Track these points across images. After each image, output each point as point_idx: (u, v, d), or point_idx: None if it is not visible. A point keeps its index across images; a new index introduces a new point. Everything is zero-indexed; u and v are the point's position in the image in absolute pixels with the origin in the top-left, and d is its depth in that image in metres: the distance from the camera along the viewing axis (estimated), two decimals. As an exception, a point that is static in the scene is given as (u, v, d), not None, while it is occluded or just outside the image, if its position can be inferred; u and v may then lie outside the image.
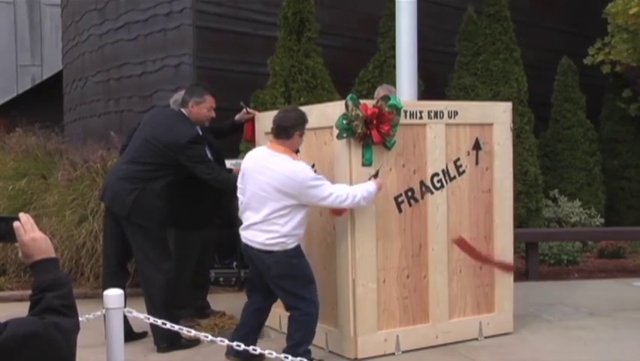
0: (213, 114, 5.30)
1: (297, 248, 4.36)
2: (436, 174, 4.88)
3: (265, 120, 5.53)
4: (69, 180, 7.28)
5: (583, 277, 7.53)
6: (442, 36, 9.37)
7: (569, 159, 9.82)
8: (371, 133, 4.48)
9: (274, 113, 5.40)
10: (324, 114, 4.79)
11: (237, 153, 7.28)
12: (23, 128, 10.75)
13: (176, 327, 3.67)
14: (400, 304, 4.77)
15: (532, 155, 8.90)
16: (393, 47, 6.07)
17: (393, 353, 4.69)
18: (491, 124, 5.13)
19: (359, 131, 4.44)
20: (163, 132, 5.00)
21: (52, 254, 1.92)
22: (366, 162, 4.56)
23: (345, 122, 4.44)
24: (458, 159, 4.99)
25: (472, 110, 5.11)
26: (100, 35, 10.12)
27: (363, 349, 4.61)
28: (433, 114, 4.87)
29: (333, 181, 4.69)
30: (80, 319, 3.75)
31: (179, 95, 5.75)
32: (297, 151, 4.50)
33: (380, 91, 5.95)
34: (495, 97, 8.68)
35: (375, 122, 4.48)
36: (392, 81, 6.31)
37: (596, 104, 10.51)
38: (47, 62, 16.17)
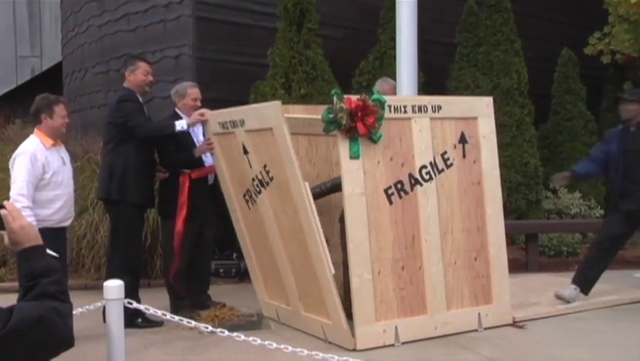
0: (151, 78, 5.57)
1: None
2: (424, 167, 4.92)
3: (214, 122, 5.37)
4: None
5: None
6: (442, 27, 9.34)
7: (569, 151, 9.80)
8: (356, 125, 4.54)
9: (226, 111, 5.34)
10: (261, 116, 4.79)
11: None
12: (22, 120, 10.74)
13: (176, 318, 3.67)
14: (396, 296, 4.78)
15: (532, 146, 8.90)
16: (393, 39, 6.06)
17: (393, 345, 4.69)
18: (476, 118, 5.18)
19: (344, 123, 4.50)
20: (108, 108, 5.58)
21: (40, 241, 1.93)
22: (354, 155, 4.61)
23: (330, 115, 4.52)
24: (445, 152, 5.02)
25: (455, 105, 5.18)
26: (99, 26, 10.09)
27: (361, 340, 4.61)
28: (417, 109, 4.91)
29: (287, 181, 4.68)
30: (80, 310, 3.76)
31: (180, 85, 5.84)
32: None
33: (384, 85, 5.95)
34: (495, 88, 8.67)
35: (359, 114, 4.54)
36: (392, 73, 6.29)
37: (597, 95, 10.50)
38: (47, 53, 16.13)
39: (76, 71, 11.35)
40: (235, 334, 3.65)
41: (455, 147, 5.07)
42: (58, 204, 4.75)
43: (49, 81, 14.08)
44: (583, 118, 9.88)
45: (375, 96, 4.67)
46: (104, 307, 3.28)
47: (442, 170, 5.00)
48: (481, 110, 5.22)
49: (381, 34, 8.34)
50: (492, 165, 5.23)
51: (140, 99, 5.52)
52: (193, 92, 5.74)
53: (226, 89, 7.82)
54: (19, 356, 1.71)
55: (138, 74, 5.46)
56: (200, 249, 5.72)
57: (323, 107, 6.11)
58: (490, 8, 9.00)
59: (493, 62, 8.84)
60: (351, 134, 4.58)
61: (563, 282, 6.56)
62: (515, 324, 5.17)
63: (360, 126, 4.55)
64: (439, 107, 4.99)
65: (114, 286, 3.21)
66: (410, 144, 4.87)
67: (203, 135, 5.68)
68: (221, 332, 3.61)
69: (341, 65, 7.86)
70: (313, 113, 5.83)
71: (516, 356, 4.54)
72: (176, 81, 7.34)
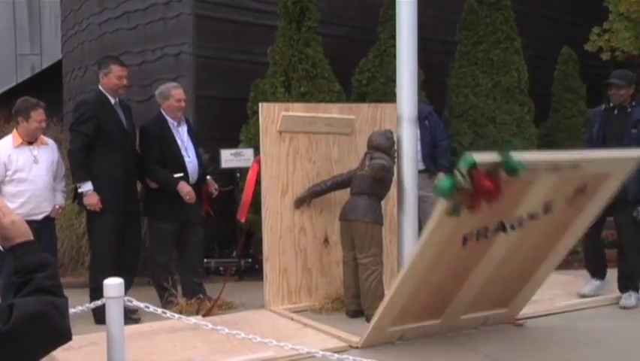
0: (124, 82, 5.55)
1: None
2: (521, 217, 4.22)
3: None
4: (69, 170, 7.28)
5: (583, 267, 7.53)
6: (442, 25, 9.34)
7: (570, 149, 9.79)
8: (475, 203, 3.77)
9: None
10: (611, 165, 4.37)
11: (237, 143, 7.28)
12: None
13: (176, 316, 3.68)
14: (421, 310, 4.61)
15: (532, 145, 8.89)
16: (393, 37, 6.05)
17: (393, 343, 4.69)
18: (607, 175, 4.39)
19: (462, 205, 3.75)
20: None
21: (31, 237, 1.94)
22: (454, 214, 3.84)
23: (449, 185, 3.73)
24: (552, 201, 4.26)
25: (597, 163, 4.37)
26: (99, 24, 10.09)
27: (367, 341, 4.60)
28: (551, 168, 4.05)
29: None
30: (80, 308, 3.76)
31: (164, 86, 5.89)
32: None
33: None
34: (495, 86, 8.66)
35: (485, 195, 3.75)
36: (392, 71, 6.29)
37: (597, 93, 10.48)
38: (47, 51, 16.10)
39: (76, 69, 11.35)
40: (235, 331, 3.65)
41: (566, 196, 4.31)
42: (22, 199, 5.07)
43: (50, 79, 14.07)
44: (583, 116, 9.85)
45: (512, 165, 3.72)
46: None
47: (537, 216, 4.28)
48: (619, 169, 4.41)
49: (381, 32, 8.33)
50: (591, 215, 4.64)
51: (112, 101, 5.52)
52: (177, 93, 5.74)
53: (226, 87, 7.82)
54: (20, 351, 1.72)
55: (111, 78, 5.47)
56: (192, 243, 5.88)
57: (323, 106, 6.15)
58: (490, 6, 8.98)
59: (493, 60, 8.82)
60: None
61: (564, 280, 6.56)
62: (514, 322, 5.16)
63: (479, 204, 3.77)
64: (577, 166, 4.16)
65: (114, 285, 3.21)
66: (520, 199, 4.12)
67: (190, 135, 5.76)
68: (221, 329, 3.61)
69: (341, 63, 7.85)
70: (313, 112, 5.84)
71: (516, 354, 4.53)
72: (177, 79, 7.35)
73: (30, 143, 5.15)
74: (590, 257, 5.92)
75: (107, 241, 5.43)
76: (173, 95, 5.71)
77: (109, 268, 5.23)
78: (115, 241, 5.46)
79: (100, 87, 5.54)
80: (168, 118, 5.72)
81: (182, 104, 5.75)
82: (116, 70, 5.49)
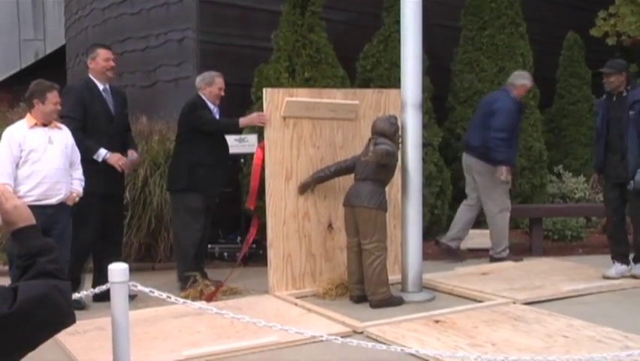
0: (111, 63, 5.66)
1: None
2: None
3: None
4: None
5: (587, 253, 7.54)
6: (447, 10, 9.28)
7: (574, 135, 9.77)
8: None
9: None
10: None
11: (241, 129, 7.26)
12: (26, 103, 10.71)
13: (181, 301, 3.69)
14: None
15: (536, 130, 8.87)
16: (397, 22, 6.03)
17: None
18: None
19: None
20: None
21: (34, 221, 1.95)
22: None
23: None
24: None
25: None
26: (102, 9, 10.06)
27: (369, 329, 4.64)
28: None
29: None
30: (85, 292, 3.78)
31: (207, 73, 6.03)
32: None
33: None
34: (500, 72, 8.62)
35: None
36: (397, 56, 6.26)
37: (602, 79, 10.42)
38: (50, 36, 16.07)
39: (79, 55, 11.32)
40: (240, 316, 3.66)
41: None
42: (36, 180, 4.98)
43: (53, 64, 14.05)
44: (588, 102, 9.83)
45: None
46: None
47: None
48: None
49: (385, 17, 8.29)
50: None
51: (101, 87, 5.57)
52: (219, 81, 5.97)
53: (230, 72, 7.78)
54: (25, 333, 1.73)
55: (99, 61, 5.58)
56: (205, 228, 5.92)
57: (327, 91, 6.15)
58: (495, -9, 8.92)
59: (498, 45, 8.78)
60: None
61: (567, 266, 6.57)
62: None
63: None
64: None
65: (119, 269, 3.21)
66: None
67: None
68: (225, 314, 3.61)
69: (345, 48, 7.82)
70: (317, 97, 5.82)
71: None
72: (180, 65, 7.35)
73: (44, 125, 5.12)
74: (614, 243, 6.01)
75: (86, 226, 5.39)
76: (217, 82, 5.94)
77: (84, 256, 5.30)
78: (95, 227, 5.44)
79: (89, 75, 5.62)
80: (208, 103, 5.90)
81: (223, 93, 5.99)
82: (102, 53, 5.61)
